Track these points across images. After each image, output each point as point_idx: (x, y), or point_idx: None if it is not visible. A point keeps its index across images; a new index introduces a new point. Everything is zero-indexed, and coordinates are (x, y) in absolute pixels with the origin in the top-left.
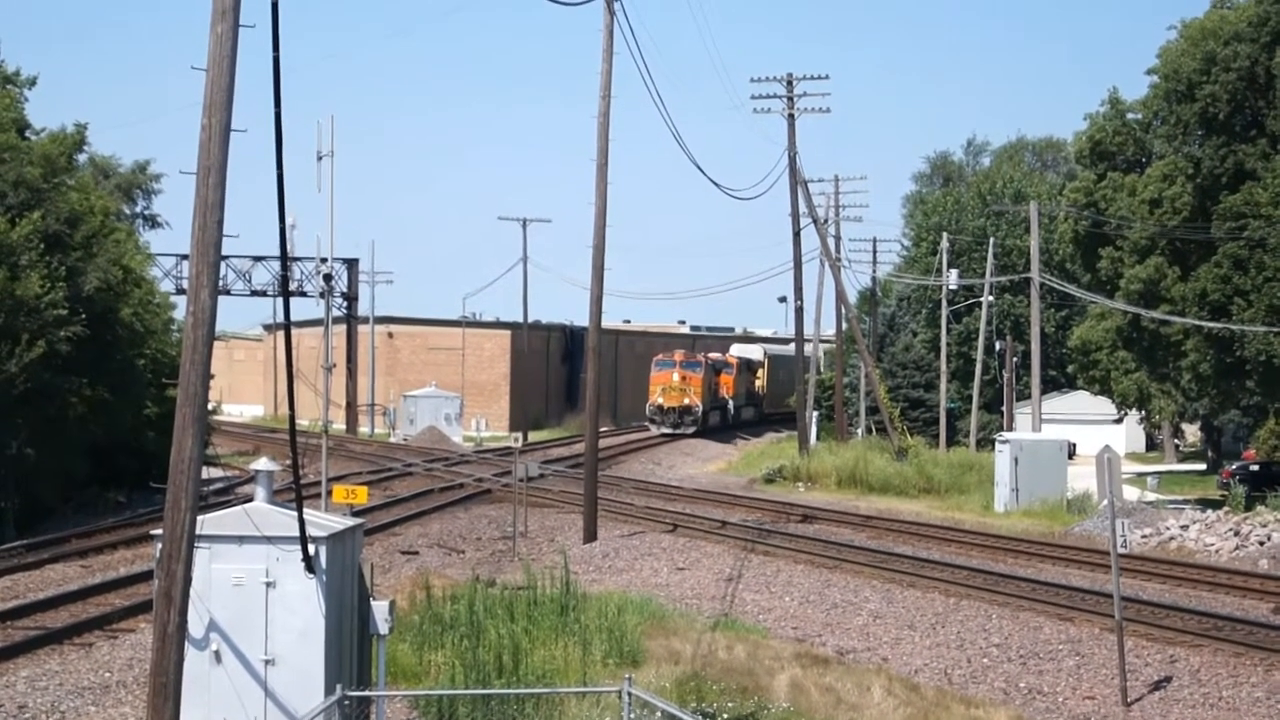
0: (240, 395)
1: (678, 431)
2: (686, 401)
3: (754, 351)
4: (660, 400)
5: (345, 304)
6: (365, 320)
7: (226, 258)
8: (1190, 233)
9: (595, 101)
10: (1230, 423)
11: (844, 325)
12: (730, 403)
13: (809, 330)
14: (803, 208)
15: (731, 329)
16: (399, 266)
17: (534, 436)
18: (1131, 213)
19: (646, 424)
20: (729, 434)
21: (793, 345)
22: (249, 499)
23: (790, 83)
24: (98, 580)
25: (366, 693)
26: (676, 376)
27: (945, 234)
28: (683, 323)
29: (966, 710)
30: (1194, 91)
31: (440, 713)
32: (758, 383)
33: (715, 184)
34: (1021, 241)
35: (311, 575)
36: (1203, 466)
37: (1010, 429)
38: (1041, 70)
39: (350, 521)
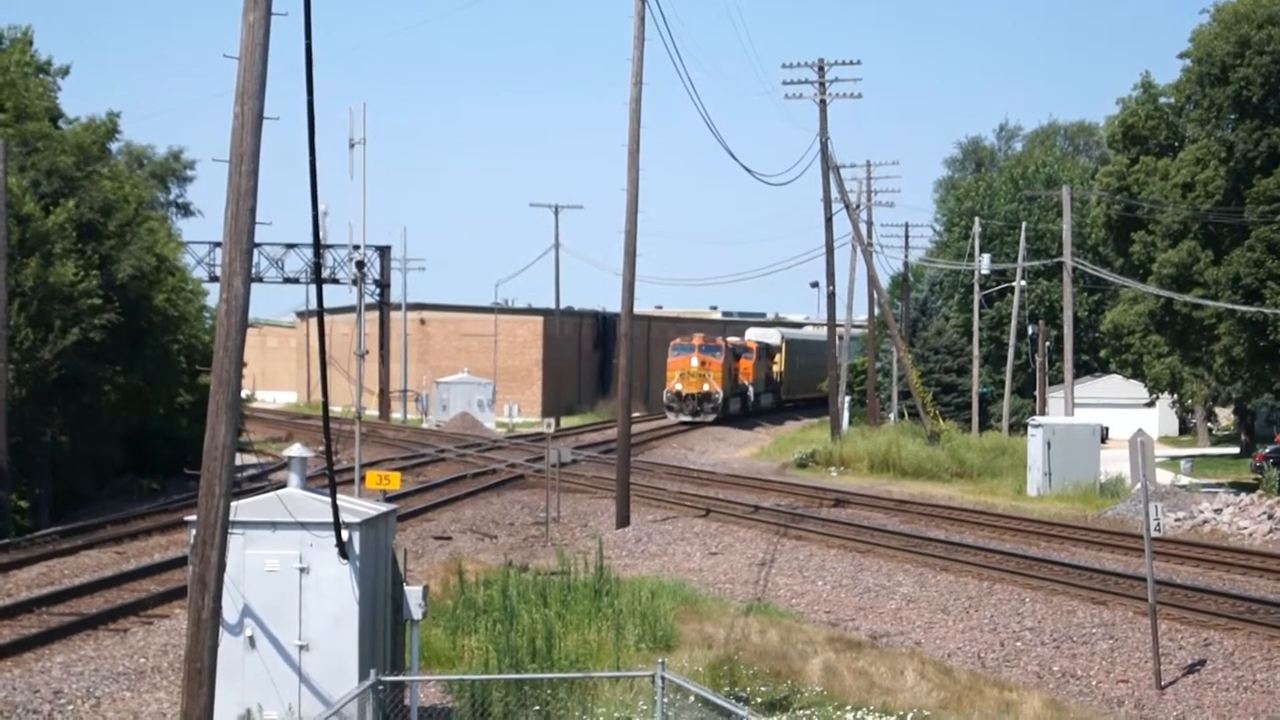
0: (274, 382)
1: (697, 420)
2: (706, 388)
3: (772, 336)
4: (679, 386)
5: (378, 291)
6: (398, 307)
7: (259, 245)
8: (1223, 216)
9: (627, 88)
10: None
11: (876, 310)
12: (750, 389)
13: (841, 315)
14: (835, 193)
15: (763, 314)
16: (431, 253)
17: (566, 422)
18: (1164, 197)
19: (665, 412)
20: (749, 422)
21: (808, 329)
22: (283, 485)
23: (822, 69)
24: (132, 566)
25: (400, 677)
26: (695, 361)
27: (977, 219)
28: (714, 308)
29: (1000, 694)
30: (1227, 75)
31: (474, 697)
32: (775, 368)
33: (747, 169)
34: (1054, 226)
35: (345, 561)
36: (1236, 450)
37: (1043, 413)
38: (1073, 54)
39: (383, 507)
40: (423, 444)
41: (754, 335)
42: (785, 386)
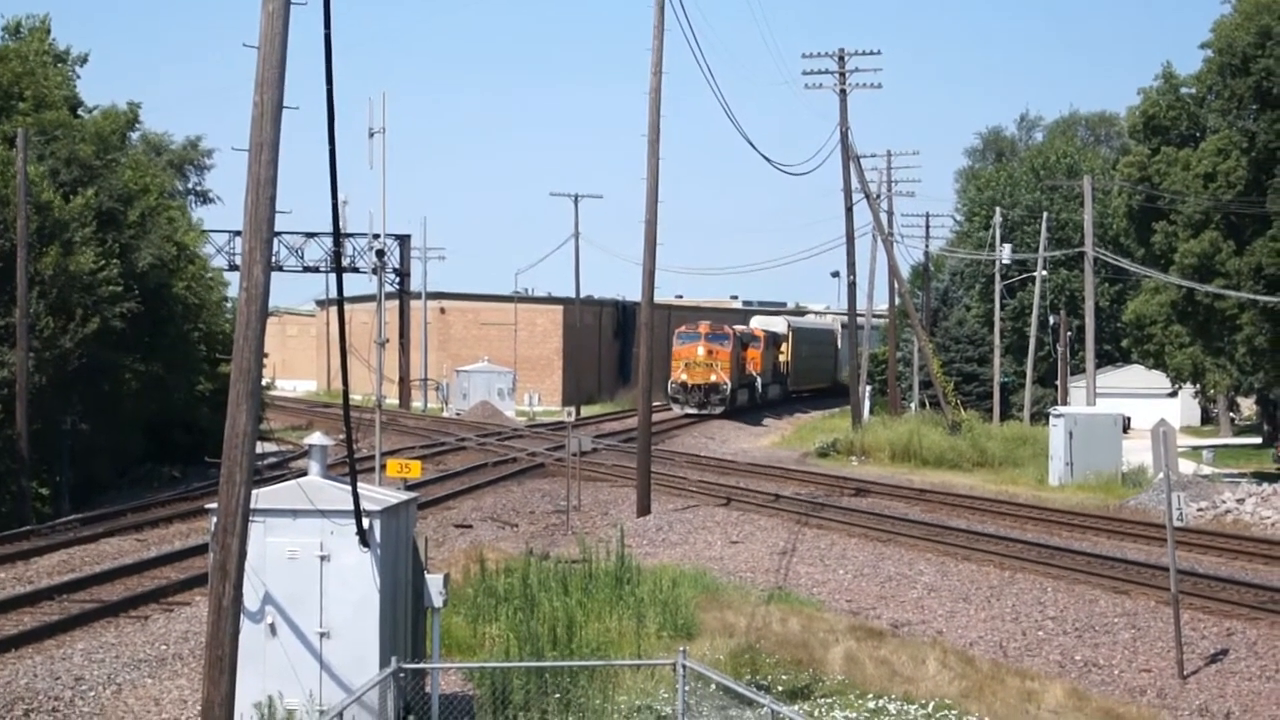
0: (294, 371)
1: (703, 412)
2: (713, 378)
3: (778, 324)
4: (684, 377)
5: (398, 280)
6: (418, 296)
7: (279, 234)
8: (1245, 206)
9: (647, 77)
10: None
11: (897, 300)
12: (758, 380)
13: (862, 305)
14: (855, 183)
15: (784, 304)
16: (451, 242)
17: (586, 411)
18: (1186, 187)
19: (669, 404)
20: (757, 414)
21: (811, 316)
22: (303, 473)
23: (842, 58)
24: (153, 554)
25: (421, 665)
26: (702, 350)
27: (998, 209)
28: (735, 298)
29: (1021, 683)
30: (1248, 65)
31: (495, 685)
32: (782, 358)
33: (767, 159)
34: (1075, 216)
35: (366, 549)
36: (1258, 440)
37: (1064, 403)
38: (1094, 44)
39: (404, 495)
40: (443, 432)
41: (759, 323)
42: (792, 377)
